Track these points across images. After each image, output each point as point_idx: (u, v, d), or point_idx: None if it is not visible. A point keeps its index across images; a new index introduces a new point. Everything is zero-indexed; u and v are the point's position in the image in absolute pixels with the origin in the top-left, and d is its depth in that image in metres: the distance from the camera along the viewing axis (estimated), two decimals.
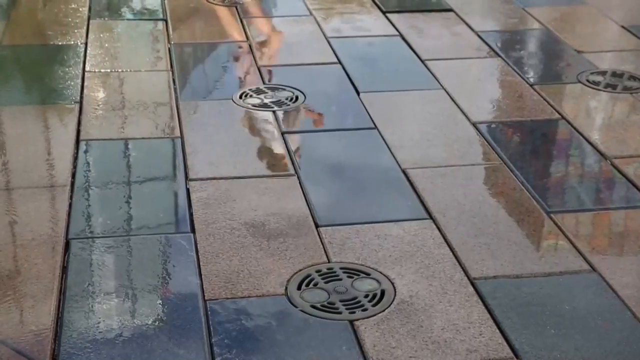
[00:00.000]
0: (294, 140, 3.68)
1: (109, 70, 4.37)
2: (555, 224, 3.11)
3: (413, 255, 2.91)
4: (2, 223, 3.04)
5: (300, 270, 2.83)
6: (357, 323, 2.59)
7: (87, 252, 2.90)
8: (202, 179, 3.36)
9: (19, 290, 2.68)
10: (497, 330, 2.57)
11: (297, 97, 4.09)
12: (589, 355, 2.47)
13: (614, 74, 4.40)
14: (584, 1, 5.50)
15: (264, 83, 4.26)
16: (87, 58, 4.50)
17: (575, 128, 3.84)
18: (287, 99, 4.08)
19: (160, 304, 2.65)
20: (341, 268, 2.84)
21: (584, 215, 3.20)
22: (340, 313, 2.63)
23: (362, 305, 2.66)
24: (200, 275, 2.79)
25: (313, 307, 2.65)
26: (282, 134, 3.74)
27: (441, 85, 4.26)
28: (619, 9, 5.40)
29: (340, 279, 2.79)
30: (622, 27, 5.09)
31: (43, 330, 2.51)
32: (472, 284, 2.77)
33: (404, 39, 4.86)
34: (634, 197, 3.32)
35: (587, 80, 4.33)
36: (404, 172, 3.45)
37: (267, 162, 3.51)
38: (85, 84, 4.20)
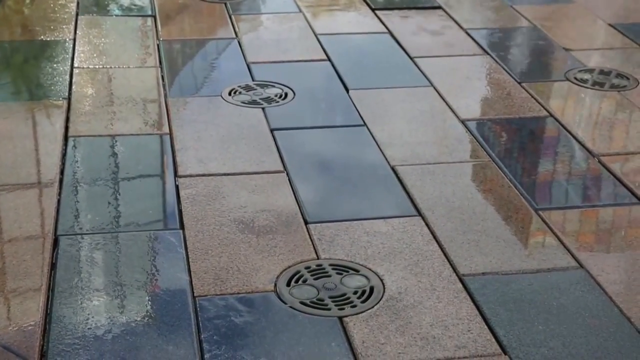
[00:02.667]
0: (283, 137, 3.68)
1: (97, 67, 4.35)
2: (543, 220, 3.13)
3: (402, 252, 2.92)
4: None
5: (290, 266, 2.83)
6: (346, 319, 2.59)
7: (75, 248, 2.89)
8: (191, 176, 3.35)
9: (7, 287, 2.68)
10: (486, 327, 2.58)
11: (286, 94, 4.09)
12: (576, 351, 2.48)
13: (602, 72, 4.42)
14: None
15: (253, 80, 4.25)
16: (76, 54, 4.49)
17: (563, 125, 3.86)
18: (276, 95, 4.08)
19: (149, 300, 2.65)
20: (330, 265, 2.85)
21: (571, 212, 3.22)
22: (329, 309, 2.64)
23: (351, 302, 2.67)
24: (190, 271, 2.78)
25: (302, 303, 2.66)
26: (271, 130, 3.74)
27: (430, 82, 4.27)
28: (606, 7, 5.42)
29: (330, 276, 2.79)
30: (610, 25, 5.11)
31: (32, 326, 2.50)
32: (461, 281, 2.78)
33: (392, 36, 4.87)
34: (621, 194, 3.33)
35: (575, 78, 4.35)
36: (392, 169, 3.46)
37: (257, 159, 3.51)
38: (74, 80, 4.18)
